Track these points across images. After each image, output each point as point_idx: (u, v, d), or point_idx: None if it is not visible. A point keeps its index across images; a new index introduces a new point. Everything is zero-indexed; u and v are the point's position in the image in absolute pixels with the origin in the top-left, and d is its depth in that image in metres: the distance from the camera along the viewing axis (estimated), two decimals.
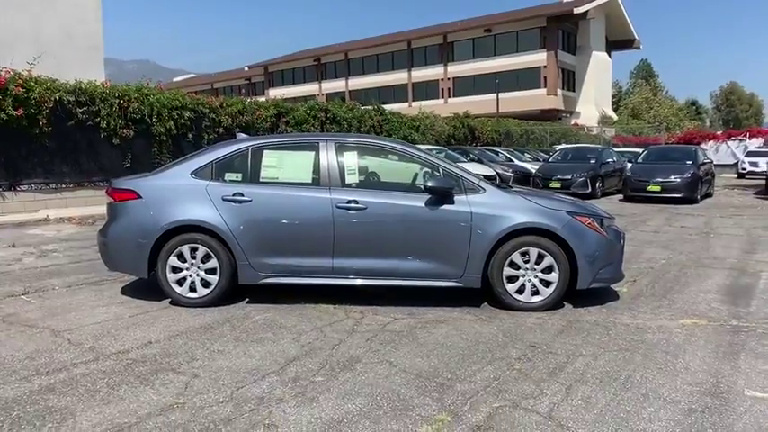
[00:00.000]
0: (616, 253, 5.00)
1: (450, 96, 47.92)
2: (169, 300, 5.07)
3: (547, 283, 4.80)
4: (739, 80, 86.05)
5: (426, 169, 5.00)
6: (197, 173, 4.99)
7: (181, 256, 4.88)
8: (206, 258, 4.87)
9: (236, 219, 4.81)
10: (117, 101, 12.25)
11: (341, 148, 5.02)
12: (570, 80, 47.27)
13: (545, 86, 44.42)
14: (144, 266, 4.92)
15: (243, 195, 4.84)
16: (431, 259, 4.81)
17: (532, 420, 2.91)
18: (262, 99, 18.06)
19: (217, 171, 5.00)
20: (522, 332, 4.31)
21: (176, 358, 3.75)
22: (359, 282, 4.91)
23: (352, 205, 4.77)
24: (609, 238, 4.93)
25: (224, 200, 4.84)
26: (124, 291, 5.51)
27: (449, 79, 48.45)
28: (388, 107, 21.30)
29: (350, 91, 49.28)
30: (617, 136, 42.34)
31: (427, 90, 48.51)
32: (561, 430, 2.82)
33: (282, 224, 4.83)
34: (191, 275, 4.90)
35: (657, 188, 14.19)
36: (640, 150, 24.57)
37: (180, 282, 4.91)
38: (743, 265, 6.72)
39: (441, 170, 4.92)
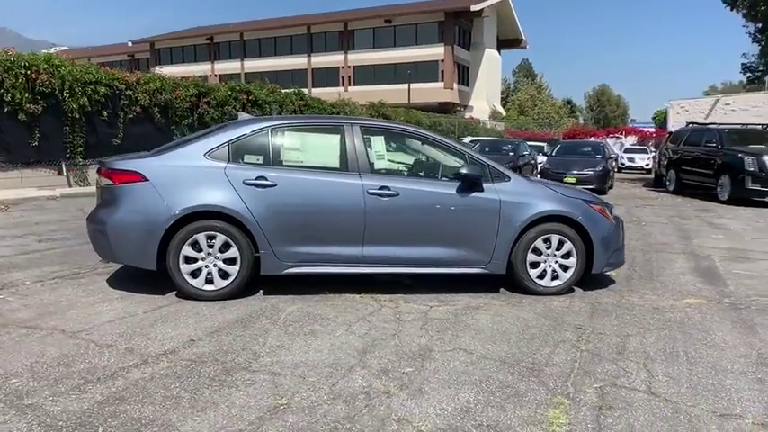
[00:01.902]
0: (621, 239, 5.32)
1: (350, 84, 47.89)
2: (175, 292, 4.63)
3: (565, 268, 4.99)
4: (609, 83, 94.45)
5: (452, 156, 4.98)
6: (212, 154, 4.57)
7: (195, 246, 4.46)
8: (224, 247, 4.50)
9: (260, 204, 4.48)
10: (23, 71, 10.85)
11: (367, 132, 4.85)
12: (465, 75, 49.11)
13: (442, 80, 45.78)
14: (152, 257, 4.44)
15: (267, 179, 4.52)
16: (460, 247, 4.81)
17: (640, 397, 3.04)
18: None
19: (234, 152, 4.61)
20: (557, 315, 4.46)
21: (238, 356, 3.44)
22: (388, 270, 4.79)
23: (384, 192, 4.63)
24: (616, 224, 5.23)
25: (245, 184, 4.49)
26: (112, 284, 4.93)
27: (349, 67, 48.37)
28: (288, 92, 20.68)
29: (245, 73, 47.42)
30: (507, 130, 44.80)
31: (327, 77, 48.05)
32: (670, 404, 2.97)
33: (310, 211, 4.58)
34: (207, 266, 4.50)
35: (573, 180, 15.23)
36: (540, 144, 26.27)
37: (194, 273, 4.49)
38: (691, 250, 7.44)
39: (467, 157, 4.92)
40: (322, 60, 48.27)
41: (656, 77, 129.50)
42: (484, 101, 49.81)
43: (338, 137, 4.77)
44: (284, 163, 4.70)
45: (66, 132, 11.70)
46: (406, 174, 4.95)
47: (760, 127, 17.43)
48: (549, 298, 4.90)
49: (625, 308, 4.71)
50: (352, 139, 4.73)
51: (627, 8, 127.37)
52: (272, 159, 4.68)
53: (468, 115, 46.45)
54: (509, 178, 4.94)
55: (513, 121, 51.50)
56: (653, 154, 34.67)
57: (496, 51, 52.31)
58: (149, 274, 4.73)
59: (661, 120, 50.27)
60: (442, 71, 45.57)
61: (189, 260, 4.47)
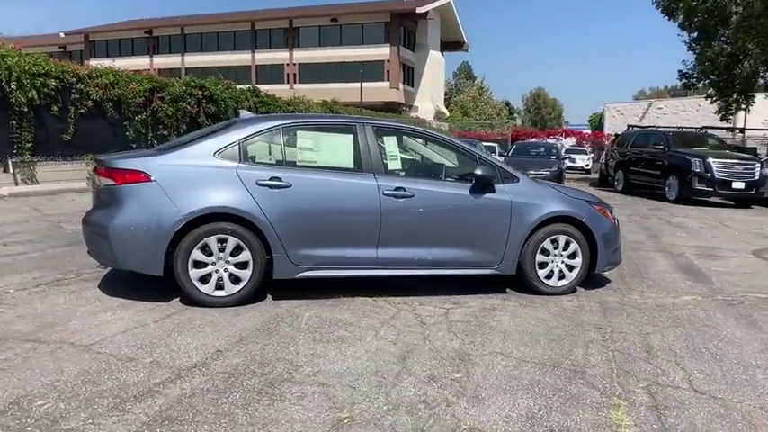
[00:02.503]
0: (619, 239, 5.46)
1: (296, 82, 47.21)
2: (179, 299, 4.37)
3: (570, 268, 5.07)
4: (545, 86, 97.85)
5: (463, 157, 4.95)
6: (222, 153, 4.34)
7: (205, 249, 4.22)
8: (236, 251, 4.28)
9: (274, 206, 4.29)
10: None
11: (379, 133, 4.74)
12: (410, 75, 49.47)
13: (388, 80, 45.92)
14: (160, 262, 4.16)
15: (281, 180, 4.33)
16: (473, 248, 4.79)
17: (688, 396, 3.10)
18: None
19: (245, 152, 4.40)
20: (572, 315, 4.52)
21: (275, 367, 3.27)
22: (402, 272, 4.71)
23: (400, 193, 4.54)
24: (616, 224, 5.36)
25: (259, 185, 4.28)
26: (106, 291, 4.59)
27: (294, 64, 47.73)
28: (243, 89, 20.13)
29: (186, 68, 45.84)
30: (452, 130, 45.46)
31: (272, 74, 47.16)
32: (718, 401, 3.05)
33: (326, 212, 4.43)
34: (217, 271, 4.27)
35: None
36: (492, 145, 26.80)
37: (204, 279, 4.25)
38: (664, 248, 7.76)
39: (477, 158, 4.91)
40: (266, 57, 47.36)
41: (588, 82, 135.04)
42: (428, 101, 50.36)
43: (351, 137, 4.64)
44: (297, 163, 4.53)
45: (14, 127, 10.89)
46: (419, 174, 4.88)
47: (695, 130, 18.51)
48: (557, 298, 4.96)
49: (632, 306, 4.83)
50: (365, 139, 4.62)
51: (561, 16, 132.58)
52: (285, 159, 4.50)
53: (413, 115, 46.82)
54: (518, 179, 4.97)
55: (457, 121, 52.30)
56: (592, 155, 36.24)
57: (440, 53, 53.00)
58: (143, 279, 4.47)
59: (596, 122, 52.49)
60: (388, 71, 45.72)
61: (198, 265, 4.23)
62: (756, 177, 13.29)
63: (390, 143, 4.76)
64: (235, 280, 4.31)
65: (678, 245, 7.99)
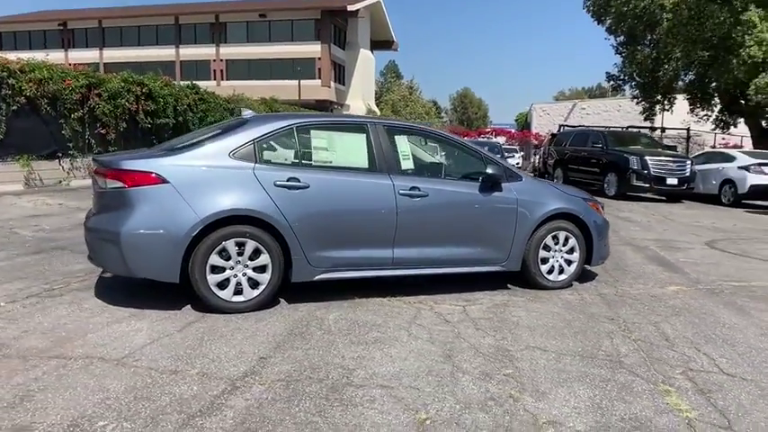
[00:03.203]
0: (608, 233, 5.72)
1: (223, 79, 45.85)
2: (190, 305, 4.18)
3: (569, 263, 5.26)
4: (471, 86, 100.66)
5: (470, 156, 5.02)
6: (236, 153, 4.17)
7: (222, 254, 4.05)
8: (254, 255, 4.13)
9: (293, 207, 4.18)
10: None
11: (391, 132, 4.72)
12: (341, 74, 49.32)
13: (320, 78, 45.55)
14: (176, 269, 3.95)
15: (299, 181, 4.22)
16: (483, 246, 4.87)
17: (723, 379, 3.32)
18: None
19: (260, 152, 4.25)
20: (581, 308, 4.69)
21: (328, 371, 3.20)
22: (416, 272, 4.72)
23: (415, 192, 4.55)
24: (606, 220, 5.62)
25: (277, 186, 4.16)
26: (107, 300, 4.29)
27: (221, 61, 46.38)
28: (182, 85, 19.41)
29: (105, 63, 43.42)
30: (446, 129, 45.80)
31: (198, 70, 45.46)
32: (752, 383, 3.28)
33: (344, 213, 4.37)
34: (235, 275, 4.10)
35: None
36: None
37: (222, 284, 4.08)
38: (628, 241, 8.21)
39: (483, 157, 5.00)
40: (192, 53, 45.71)
41: (511, 83, 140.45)
42: (360, 100, 50.38)
43: (364, 136, 4.60)
44: (313, 163, 4.42)
45: None
46: (430, 174, 4.90)
47: (621, 129, 19.71)
48: (559, 292, 5.14)
49: (629, 298, 5.09)
50: (378, 138, 4.59)
51: (487, 18, 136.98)
52: (301, 159, 4.39)
53: (344, 113, 46.77)
54: (521, 178, 5.10)
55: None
56: (522, 153, 37.68)
57: (370, 52, 53.20)
58: (140, 286, 4.37)
59: (523, 121, 54.60)
60: (319, 69, 45.32)
61: (215, 270, 4.05)
62: (687, 174, 14.31)
63: (402, 142, 4.76)
64: (253, 284, 4.16)
65: (639, 238, 8.48)
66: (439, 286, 5.04)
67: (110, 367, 3.13)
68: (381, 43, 55.82)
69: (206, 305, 4.09)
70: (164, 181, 3.94)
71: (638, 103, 22.91)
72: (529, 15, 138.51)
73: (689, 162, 14.57)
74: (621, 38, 22.02)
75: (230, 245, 4.05)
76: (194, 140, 4.35)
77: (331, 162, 4.50)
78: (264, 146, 4.29)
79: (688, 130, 23.17)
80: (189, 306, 4.22)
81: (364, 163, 4.55)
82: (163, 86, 16.21)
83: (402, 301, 4.66)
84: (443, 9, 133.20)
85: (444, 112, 74.30)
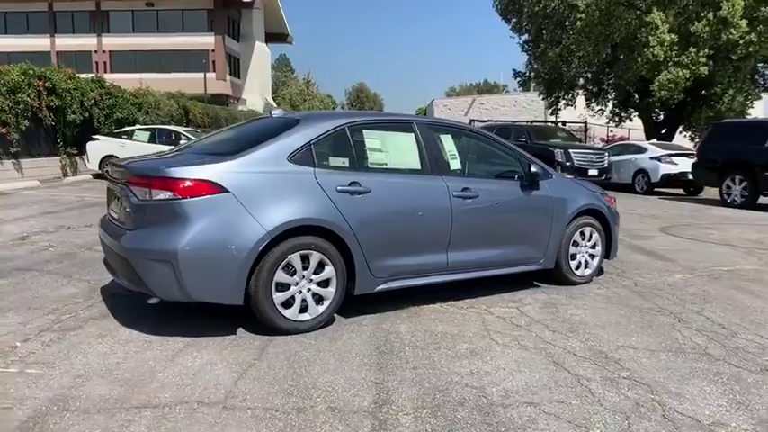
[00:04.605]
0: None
1: (106, 71, 42.32)
2: (240, 328, 3.75)
3: (592, 257, 5.37)
4: (366, 81, 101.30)
5: (507, 155, 4.93)
6: (295, 157, 3.76)
7: (287, 268, 3.64)
8: (319, 268, 3.77)
9: (355, 214, 3.86)
10: None
11: (436, 131, 4.52)
12: (236, 67, 47.48)
13: (214, 70, 43.52)
14: (240, 288, 3.49)
15: (360, 185, 3.90)
16: (525, 245, 4.83)
17: None
18: None
19: (317, 155, 3.86)
20: (621, 302, 4.77)
21: (461, 392, 2.97)
22: (467, 276, 4.55)
23: (467, 193, 4.39)
24: (618, 213, 5.80)
25: (339, 191, 3.81)
26: (143, 329, 3.69)
27: (104, 52, 42.88)
28: (86, 78, 17.64)
29: None
30: None
31: (77, 61, 41.37)
32: None
33: (404, 218, 4.11)
34: (300, 291, 3.71)
35: None
36: None
37: (286, 303, 3.67)
38: None
39: (518, 155, 4.94)
40: (70, 43, 41.76)
41: (405, 77, 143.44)
42: (257, 94, 48.84)
43: (412, 136, 4.35)
44: (370, 166, 4.11)
45: None
46: (476, 174, 4.74)
47: (527, 123, 20.76)
48: (589, 287, 5.22)
49: (651, 288, 5.27)
50: (426, 138, 4.37)
51: (378, 15, 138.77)
52: (357, 162, 4.05)
53: (241, 108, 45.11)
54: (552, 175, 5.11)
55: None
56: None
57: (265, 45, 51.72)
58: (167, 310, 3.92)
59: (423, 115, 55.85)
60: (214, 61, 43.30)
61: (279, 287, 3.63)
62: (606, 165, 15.34)
63: (447, 141, 4.56)
64: (317, 300, 3.80)
65: None
66: (471, 289, 4.88)
67: (220, 412, 2.67)
68: (276, 36, 54.44)
69: (269, 327, 3.66)
70: (223, 190, 3.46)
71: (543, 99, 24.26)
72: (426, 10, 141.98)
73: (606, 154, 15.62)
74: (526, 36, 23.18)
75: (295, 258, 3.65)
76: (246, 145, 3.84)
77: (386, 164, 4.21)
78: (321, 148, 3.91)
79: (585, 123, 24.96)
80: (240, 329, 3.77)
81: (417, 164, 4.31)
82: (67, 80, 14.60)
83: (455, 306, 4.48)
84: (337, 2, 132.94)
85: (341, 106, 74.12)
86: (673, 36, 16.93)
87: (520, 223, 4.78)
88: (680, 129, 21.52)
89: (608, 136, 27.69)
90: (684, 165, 14.38)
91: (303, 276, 3.71)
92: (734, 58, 16.86)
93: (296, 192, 3.69)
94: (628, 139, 25.23)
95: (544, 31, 21.55)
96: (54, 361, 3.19)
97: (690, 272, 5.97)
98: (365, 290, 4.01)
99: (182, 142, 15.01)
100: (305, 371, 3.17)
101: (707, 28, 16.20)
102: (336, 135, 4.02)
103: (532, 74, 23.83)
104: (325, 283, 3.81)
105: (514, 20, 22.69)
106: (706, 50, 16.82)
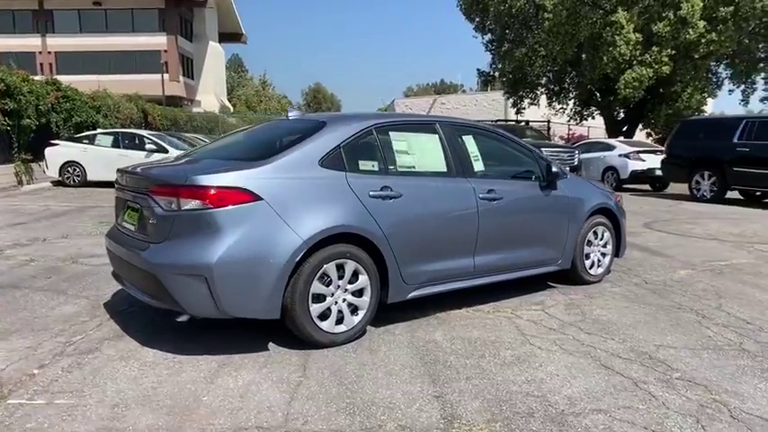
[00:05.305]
0: None
1: (53, 73, 40.45)
2: (270, 342, 3.56)
3: (603, 256, 5.38)
4: (323, 82, 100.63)
5: (524, 155, 4.87)
6: (326, 161, 3.59)
7: (322, 279, 3.47)
8: (353, 277, 3.60)
9: (389, 220, 3.71)
10: None
11: (458, 131, 4.41)
12: (190, 67, 46.27)
13: (167, 71, 42.27)
14: (278, 302, 3.30)
15: (391, 189, 3.76)
16: (545, 246, 4.78)
17: None
18: None
19: (347, 158, 3.70)
20: (639, 299, 4.79)
21: (525, 402, 2.87)
22: (492, 280, 4.46)
23: (492, 195, 4.31)
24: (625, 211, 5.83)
25: (371, 196, 3.66)
26: (167, 349, 3.44)
27: (50, 53, 41.06)
28: (40, 80, 16.78)
29: None
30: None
31: (20, 63, 39.30)
32: None
33: (434, 222, 3.99)
34: (336, 302, 3.54)
35: None
36: None
37: (323, 315, 3.49)
38: None
39: (535, 155, 4.89)
40: (11, 43, 39.65)
41: (363, 77, 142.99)
42: (212, 95, 47.74)
43: (436, 137, 4.23)
44: (399, 169, 3.96)
45: None
46: (498, 175, 4.65)
47: (491, 122, 20.99)
48: (605, 286, 5.22)
49: (662, 284, 5.33)
50: (450, 139, 4.26)
51: (336, 13, 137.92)
52: (386, 165, 3.90)
53: (196, 110, 43.99)
54: (566, 175, 5.09)
55: (244, 116, 50.77)
56: None
57: (219, 45, 50.62)
58: (176, 326, 3.67)
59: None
60: (166, 62, 42.02)
61: (315, 298, 3.45)
62: (576, 163, 15.58)
63: (469, 142, 4.46)
64: (353, 310, 3.63)
65: None
66: (492, 293, 4.79)
67: None
68: (230, 36, 53.37)
69: (306, 341, 3.47)
70: (257, 198, 3.25)
71: (508, 98, 24.57)
72: (380, 10, 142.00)
73: (577, 152, 15.90)
74: (489, 35, 23.42)
75: (331, 268, 3.48)
76: (275, 149, 3.63)
77: (414, 167, 4.07)
78: (350, 151, 3.74)
79: (548, 122, 25.41)
80: (271, 343, 3.57)
81: (443, 166, 4.19)
82: (22, 82, 13.82)
83: (481, 311, 4.39)
84: (293, 5, 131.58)
85: (298, 107, 73.30)
86: (638, 35, 17.41)
87: (540, 224, 4.73)
88: (640, 126, 22.17)
89: (568, 134, 28.30)
90: (652, 161, 14.79)
91: (338, 286, 3.54)
92: (695, 56, 17.47)
93: (329, 198, 3.52)
94: (587, 137, 25.86)
95: (508, 31, 21.83)
96: (82, 389, 2.92)
97: (691, 267, 6.07)
98: (398, 298, 3.87)
99: (147, 146, 14.43)
100: (357, 387, 3.01)
101: (668, 27, 16.74)
102: (364, 137, 3.86)
103: (497, 73, 24.11)
104: (359, 293, 3.65)
105: (478, 19, 22.89)
106: (668, 50, 17.38)
